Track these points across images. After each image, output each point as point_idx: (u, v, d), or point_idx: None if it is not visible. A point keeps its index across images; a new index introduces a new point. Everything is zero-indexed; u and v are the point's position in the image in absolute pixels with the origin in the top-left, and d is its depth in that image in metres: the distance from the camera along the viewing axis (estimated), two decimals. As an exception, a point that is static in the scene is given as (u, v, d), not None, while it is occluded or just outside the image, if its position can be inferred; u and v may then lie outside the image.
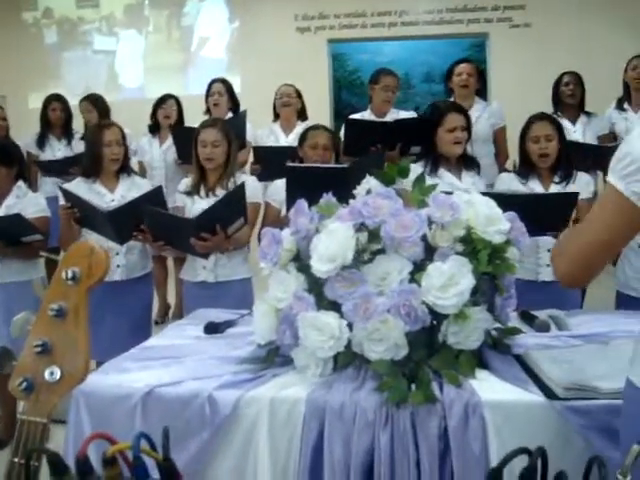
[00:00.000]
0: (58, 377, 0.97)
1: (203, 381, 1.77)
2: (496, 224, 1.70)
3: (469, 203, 1.73)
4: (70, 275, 1.03)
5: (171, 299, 5.33)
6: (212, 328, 2.25)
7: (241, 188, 2.92)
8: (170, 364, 1.95)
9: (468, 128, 3.14)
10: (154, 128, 5.05)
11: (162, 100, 5.03)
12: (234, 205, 2.93)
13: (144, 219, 2.95)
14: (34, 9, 7.68)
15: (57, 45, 7.69)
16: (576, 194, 2.63)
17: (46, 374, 0.97)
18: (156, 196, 3.11)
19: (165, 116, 4.96)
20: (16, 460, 0.96)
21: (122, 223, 2.99)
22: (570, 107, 4.52)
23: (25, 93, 7.27)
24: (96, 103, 5.25)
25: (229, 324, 2.32)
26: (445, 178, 2.98)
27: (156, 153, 4.96)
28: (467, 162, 3.16)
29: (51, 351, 0.99)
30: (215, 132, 3.06)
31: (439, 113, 3.11)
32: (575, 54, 6.16)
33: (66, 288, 1.03)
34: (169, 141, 4.90)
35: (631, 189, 1.23)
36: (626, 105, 4.64)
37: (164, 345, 2.19)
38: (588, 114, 4.62)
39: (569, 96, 4.62)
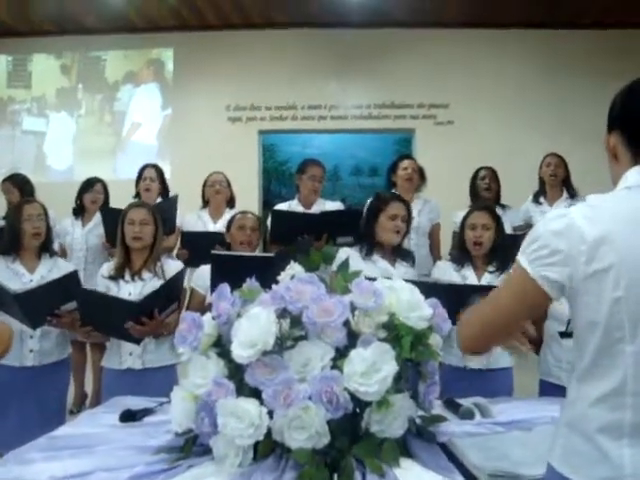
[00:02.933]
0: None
1: (114, 472, 1.68)
2: (418, 310, 1.70)
3: (391, 289, 1.73)
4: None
5: (88, 387, 5.10)
6: (128, 416, 2.15)
7: (182, 273, 2.91)
8: (79, 454, 1.84)
9: (408, 221, 3.19)
10: (78, 211, 4.97)
11: (89, 184, 4.95)
12: (173, 290, 2.90)
13: (77, 300, 2.85)
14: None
15: (-16, 123, 7.61)
16: (494, 287, 2.62)
17: None
18: (72, 280, 3.01)
19: (92, 201, 4.89)
20: None
21: (34, 307, 2.88)
22: (486, 200, 4.68)
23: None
24: (18, 183, 5.14)
25: (147, 412, 2.22)
26: (379, 263, 3.02)
27: (78, 235, 4.85)
28: (402, 253, 3.20)
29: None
30: (144, 212, 3.04)
31: (383, 200, 3.17)
32: (494, 151, 6.48)
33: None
34: (92, 223, 4.83)
35: (539, 273, 1.26)
36: (542, 199, 4.85)
37: (75, 434, 2.08)
38: (503, 206, 4.80)
39: (485, 189, 4.81)
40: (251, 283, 1.79)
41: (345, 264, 1.91)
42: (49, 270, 3.20)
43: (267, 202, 7.30)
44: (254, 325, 1.59)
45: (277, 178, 8.91)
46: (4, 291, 2.86)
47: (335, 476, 1.56)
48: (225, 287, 1.75)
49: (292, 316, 1.66)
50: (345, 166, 9.07)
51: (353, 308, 1.71)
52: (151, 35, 7.35)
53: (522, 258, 1.31)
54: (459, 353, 2.93)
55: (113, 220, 3.56)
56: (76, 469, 1.70)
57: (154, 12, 6.97)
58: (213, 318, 1.75)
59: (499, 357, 2.93)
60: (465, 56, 7.14)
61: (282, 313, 1.68)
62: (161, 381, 2.95)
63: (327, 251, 1.95)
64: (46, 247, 3.30)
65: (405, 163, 4.62)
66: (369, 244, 3.10)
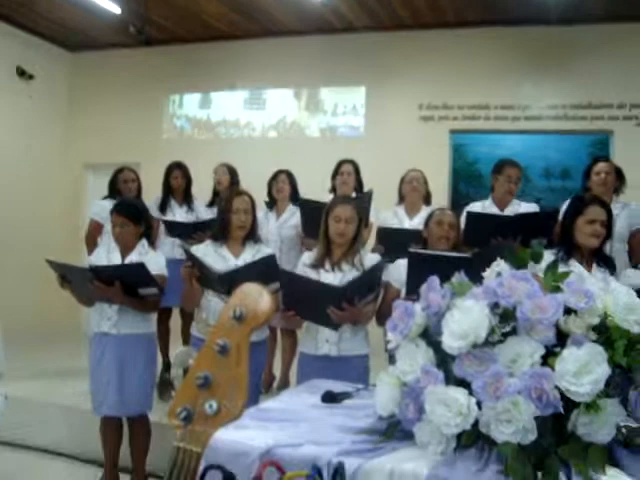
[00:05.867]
0: (216, 411, 1.01)
1: (322, 446, 1.77)
2: (636, 313, 1.65)
3: (607, 290, 1.70)
4: (237, 314, 1.08)
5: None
6: (330, 397, 2.27)
7: (381, 264, 3.00)
8: (287, 427, 1.96)
9: (609, 225, 3.08)
10: (271, 203, 5.26)
11: (274, 176, 5.26)
12: (373, 280, 3.00)
13: (281, 284, 3.01)
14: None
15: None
16: None
17: (206, 406, 1.02)
18: (269, 263, 3.21)
19: (277, 190, 5.17)
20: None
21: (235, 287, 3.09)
22: None
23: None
24: (231, 169, 5.55)
25: (346, 395, 2.33)
26: (574, 268, 2.94)
27: (272, 227, 5.12)
28: (601, 258, 3.09)
29: (211, 385, 1.04)
30: (350, 209, 3.15)
31: (582, 203, 3.10)
32: None
33: (231, 326, 1.08)
34: (285, 215, 5.09)
35: None
36: None
37: (281, 408, 2.21)
38: None
39: None
40: (461, 277, 1.82)
41: (554, 264, 1.89)
42: (253, 256, 3.44)
43: (455, 202, 7.25)
44: (466, 317, 1.62)
45: (465, 178, 8.79)
46: (210, 272, 3.12)
47: (539, 474, 1.55)
48: (435, 279, 1.80)
49: (503, 311, 1.68)
50: (535, 168, 8.75)
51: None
52: (347, 36, 7.56)
53: None
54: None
55: (311, 212, 3.73)
56: (286, 439, 1.81)
57: (350, 13, 7.17)
58: (422, 309, 1.80)
59: None
60: (672, 50, 6.66)
61: (492, 308, 1.69)
62: (353, 369, 3.07)
63: (536, 250, 1.93)
64: (251, 235, 3.55)
65: (598, 167, 4.42)
66: (567, 247, 3.03)
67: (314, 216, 3.33)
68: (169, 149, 7.86)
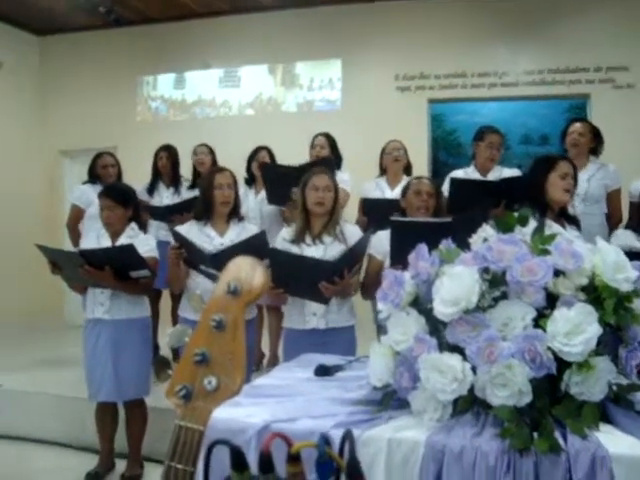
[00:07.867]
0: (215, 387, 1.00)
1: (318, 419, 1.77)
2: (624, 272, 1.66)
3: (595, 250, 1.70)
4: (232, 288, 1.07)
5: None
6: (323, 371, 2.27)
7: (367, 237, 2.99)
8: (283, 402, 1.96)
9: (575, 182, 3.10)
10: (250, 180, 5.22)
11: (255, 152, 5.22)
12: (360, 252, 3.00)
13: (270, 263, 3.00)
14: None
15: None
16: None
17: (205, 383, 1.01)
18: (260, 241, 3.18)
19: (258, 167, 5.12)
20: (173, 464, 0.99)
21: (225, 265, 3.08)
22: None
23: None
24: (211, 149, 5.51)
25: (339, 368, 2.33)
26: (552, 227, 2.95)
27: (252, 204, 5.09)
28: (569, 217, 3.12)
29: (209, 361, 1.03)
30: (327, 178, 3.15)
31: (551, 160, 3.10)
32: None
33: (226, 301, 1.07)
34: (264, 191, 5.03)
35: None
36: None
37: (275, 384, 2.22)
38: None
39: None
40: (448, 244, 1.82)
41: (541, 227, 1.89)
42: (238, 234, 3.43)
43: (435, 172, 7.26)
44: (457, 283, 1.62)
45: (445, 148, 8.81)
46: (200, 253, 3.10)
47: (535, 435, 1.56)
48: (424, 247, 1.80)
49: (493, 275, 1.68)
50: (514, 135, 8.77)
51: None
52: (321, 9, 7.48)
53: None
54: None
55: (275, 179, 3.67)
56: (283, 414, 1.81)
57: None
58: (412, 277, 1.80)
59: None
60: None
61: (481, 273, 1.69)
62: (341, 340, 3.09)
63: (522, 213, 1.94)
64: (235, 213, 3.53)
65: (571, 128, 4.45)
66: (541, 207, 3.02)
67: (278, 181, 3.30)
68: (145, 132, 7.78)
